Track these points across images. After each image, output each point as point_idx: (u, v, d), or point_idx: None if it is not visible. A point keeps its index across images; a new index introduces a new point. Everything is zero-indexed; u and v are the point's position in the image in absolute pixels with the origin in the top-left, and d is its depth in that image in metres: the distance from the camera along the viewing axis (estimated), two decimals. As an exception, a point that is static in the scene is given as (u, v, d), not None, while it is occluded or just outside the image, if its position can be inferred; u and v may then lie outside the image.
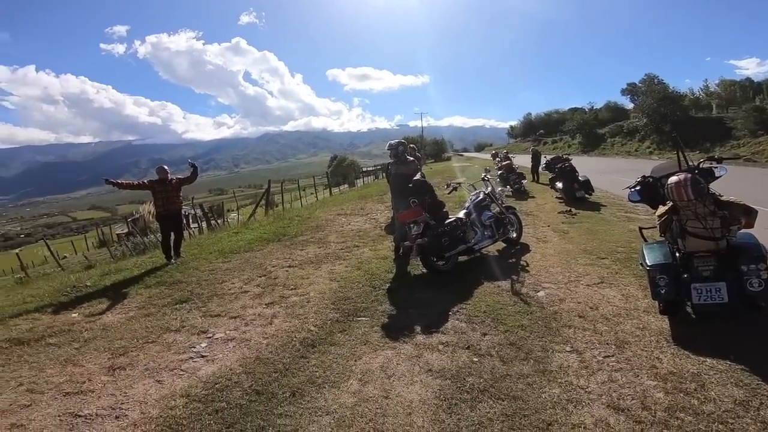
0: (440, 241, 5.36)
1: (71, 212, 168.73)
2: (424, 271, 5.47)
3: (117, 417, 2.94)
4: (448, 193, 7.28)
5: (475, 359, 3.27)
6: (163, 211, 7.15)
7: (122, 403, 3.09)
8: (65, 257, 23.17)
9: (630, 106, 47.29)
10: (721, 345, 3.15)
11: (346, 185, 33.46)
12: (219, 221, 14.75)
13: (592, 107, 54.52)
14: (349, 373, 3.21)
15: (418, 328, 3.91)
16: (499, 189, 7.01)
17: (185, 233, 10.11)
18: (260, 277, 6.00)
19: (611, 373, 2.95)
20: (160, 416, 2.85)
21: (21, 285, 8.29)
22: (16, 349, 4.20)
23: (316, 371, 3.27)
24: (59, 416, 3.01)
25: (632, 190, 4.41)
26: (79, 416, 2.99)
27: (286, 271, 6.20)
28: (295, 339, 3.86)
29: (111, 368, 3.67)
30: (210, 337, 4.09)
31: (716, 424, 2.38)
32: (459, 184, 7.52)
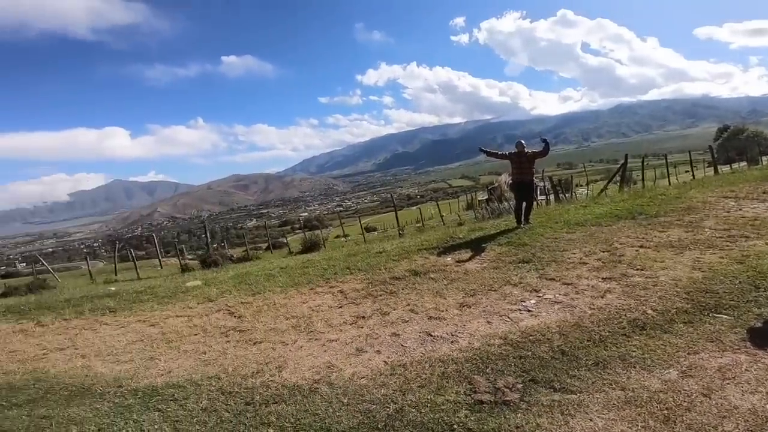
0: None
1: (448, 180, 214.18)
2: None
3: (451, 342, 3.92)
4: None
5: None
6: (517, 180, 8.13)
7: (459, 332, 4.06)
8: (442, 216, 30.34)
9: None
10: None
11: (744, 163, 24.82)
12: (567, 195, 14.85)
13: None
14: (672, 363, 2.91)
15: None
16: None
17: (534, 203, 10.98)
18: (603, 252, 5.86)
19: None
20: (479, 348, 3.62)
21: (419, 232, 11.70)
22: (411, 278, 6.04)
23: (634, 351, 3.15)
24: (420, 332, 4.24)
25: None
26: (431, 335, 4.14)
27: (636, 250, 5.73)
28: (623, 317, 3.75)
29: (461, 305, 4.78)
30: (540, 297, 4.54)
31: None
32: None
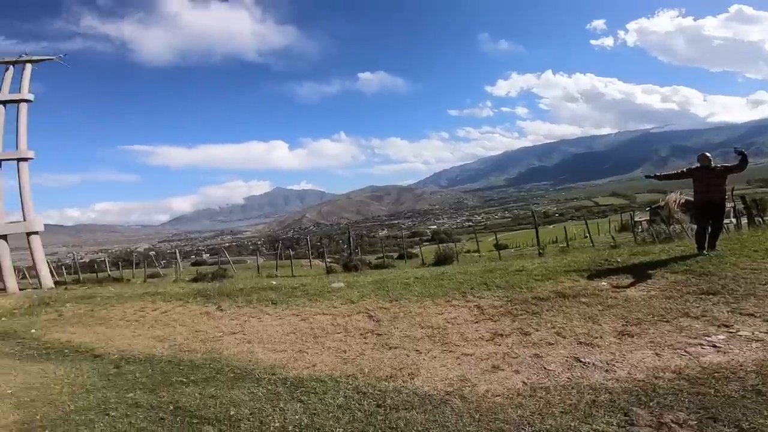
0: None
1: (594, 197, 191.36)
2: None
3: (606, 370, 3.54)
4: None
5: None
6: (703, 200, 6.76)
7: (616, 361, 3.66)
8: (585, 237, 27.09)
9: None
10: None
11: None
12: (764, 218, 11.78)
13: None
14: None
15: None
16: None
17: (722, 227, 8.98)
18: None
19: None
20: (643, 380, 3.22)
21: (563, 252, 10.68)
22: (558, 300, 5.62)
23: None
24: (567, 357, 3.92)
25: None
26: (580, 361, 3.80)
27: None
28: None
29: (621, 333, 4.28)
30: (732, 333, 3.90)
31: None
32: None
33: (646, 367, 3.49)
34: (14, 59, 17.58)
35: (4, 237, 16.64)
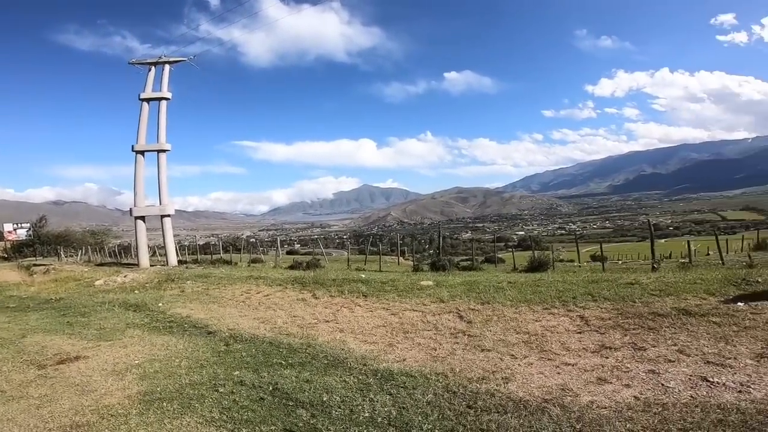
0: None
1: (721, 210, 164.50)
2: None
3: (739, 391, 3.17)
4: None
5: None
6: None
7: (752, 383, 3.26)
8: (708, 254, 23.31)
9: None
10: None
11: None
12: None
13: None
14: None
15: None
16: None
17: None
18: None
19: None
20: None
21: (683, 268, 9.36)
22: (682, 317, 5.03)
23: None
24: (691, 375, 3.57)
25: None
26: (707, 380, 3.44)
27: None
28: None
29: (759, 355, 3.77)
30: None
31: None
32: None
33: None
34: (154, 60, 20.36)
35: (143, 218, 19.68)
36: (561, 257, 23.61)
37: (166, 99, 20.24)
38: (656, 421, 2.95)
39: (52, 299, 11.61)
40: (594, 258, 24.47)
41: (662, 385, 3.55)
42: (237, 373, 4.61)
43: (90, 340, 6.46)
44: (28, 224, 39.91)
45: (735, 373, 3.56)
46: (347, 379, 4.23)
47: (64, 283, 15.05)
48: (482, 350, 4.93)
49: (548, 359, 4.46)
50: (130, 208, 19.91)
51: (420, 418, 3.27)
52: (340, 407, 3.57)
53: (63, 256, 31.50)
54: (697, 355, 4.05)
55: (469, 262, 15.06)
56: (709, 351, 4.10)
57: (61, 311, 9.38)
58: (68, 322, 8.03)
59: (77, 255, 32.55)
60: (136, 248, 20.53)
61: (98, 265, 22.47)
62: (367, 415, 3.40)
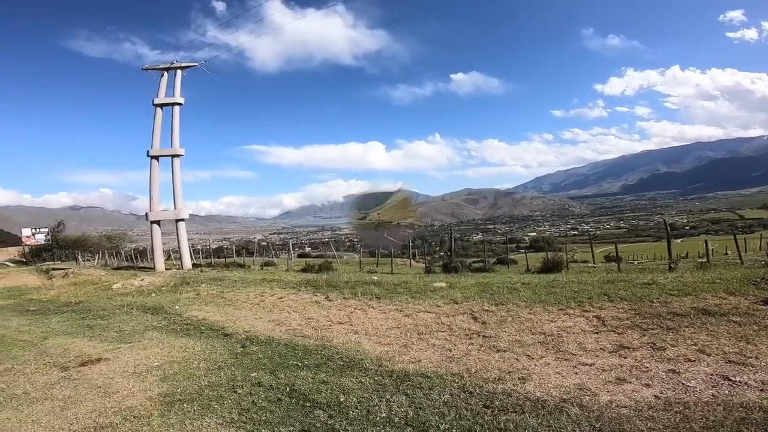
0: None
1: (739, 209, 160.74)
2: None
3: (761, 390, 3.16)
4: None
5: None
6: None
7: None
8: (726, 254, 22.82)
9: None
10: None
11: None
12: None
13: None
14: None
15: None
16: None
17: None
18: None
19: None
20: None
21: (701, 268, 9.19)
22: (701, 317, 4.96)
23: None
24: (712, 375, 3.54)
25: None
26: (728, 379, 3.42)
27: None
28: None
29: None
30: None
31: None
32: None
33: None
34: (167, 66, 20.64)
35: (158, 222, 20.01)
36: (575, 258, 23.34)
37: (179, 104, 20.58)
38: (678, 419, 2.93)
39: (71, 302, 11.88)
40: (608, 258, 24.17)
41: (683, 384, 3.53)
42: (254, 374, 4.67)
43: (110, 343, 6.59)
44: (47, 229, 40.91)
45: (757, 372, 3.52)
46: (363, 380, 4.25)
47: (83, 287, 15.37)
48: (497, 351, 4.91)
49: (565, 359, 4.44)
50: (146, 213, 20.22)
51: (437, 418, 3.28)
52: (356, 408, 3.60)
53: (81, 260, 32.19)
54: (717, 355, 4.01)
55: (481, 264, 14.99)
56: (730, 350, 4.06)
57: (80, 314, 9.58)
58: (88, 324, 8.21)
59: (94, 259, 33.25)
60: (152, 252, 20.84)
61: (115, 268, 22.90)
62: (384, 415, 3.42)
